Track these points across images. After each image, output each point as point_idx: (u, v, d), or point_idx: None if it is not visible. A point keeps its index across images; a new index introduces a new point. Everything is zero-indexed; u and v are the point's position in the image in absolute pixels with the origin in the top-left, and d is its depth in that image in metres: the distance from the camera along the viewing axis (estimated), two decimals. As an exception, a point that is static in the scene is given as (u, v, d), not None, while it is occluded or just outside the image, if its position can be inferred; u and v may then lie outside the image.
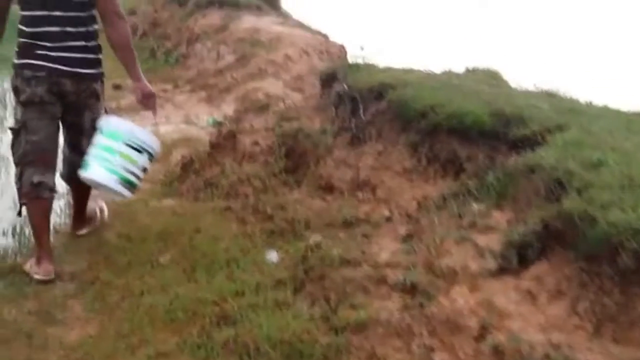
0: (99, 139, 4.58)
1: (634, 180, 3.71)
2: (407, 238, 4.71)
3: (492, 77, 6.66)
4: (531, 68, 7.66)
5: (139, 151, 4.54)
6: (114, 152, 4.48)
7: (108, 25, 4.68)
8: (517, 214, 4.23)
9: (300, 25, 11.45)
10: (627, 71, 10.06)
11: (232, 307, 4.28)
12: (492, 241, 4.21)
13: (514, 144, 5.02)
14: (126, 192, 4.65)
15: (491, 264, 3.96)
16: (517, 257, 3.79)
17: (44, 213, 4.79)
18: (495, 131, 5.10)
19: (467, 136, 5.10)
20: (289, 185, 5.94)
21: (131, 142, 4.52)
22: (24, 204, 4.78)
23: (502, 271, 3.86)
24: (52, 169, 4.78)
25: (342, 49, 11.03)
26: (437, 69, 6.93)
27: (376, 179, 5.47)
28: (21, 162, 4.70)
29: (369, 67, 6.54)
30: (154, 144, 4.68)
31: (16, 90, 4.66)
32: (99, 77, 4.83)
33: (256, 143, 6.47)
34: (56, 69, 4.59)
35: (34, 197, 4.70)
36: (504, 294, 3.66)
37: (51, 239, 5.02)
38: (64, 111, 4.72)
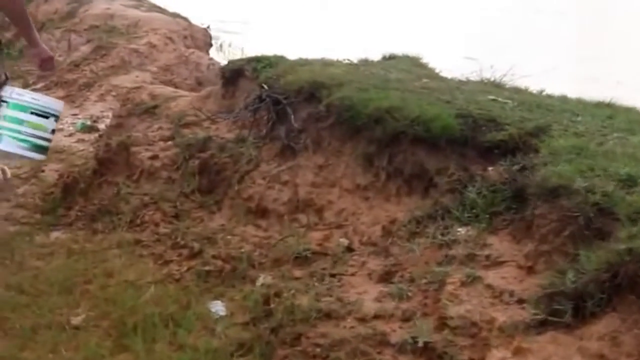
0: (5, 111, 4.68)
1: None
2: (387, 276, 3.88)
3: (417, 65, 5.90)
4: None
5: (46, 117, 4.73)
6: (22, 122, 4.65)
7: None
8: (538, 245, 3.48)
9: (157, 8, 10.33)
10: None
11: (193, 388, 3.34)
12: (510, 280, 3.47)
13: (487, 150, 4.29)
14: (39, 156, 4.89)
15: (524, 314, 3.21)
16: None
17: None
18: (464, 136, 4.35)
19: (435, 145, 4.32)
20: (208, 208, 4.98)
21: (37, 110, 4.70)
22: None
23: (544, 325, 3.10)
24: None
25: (206, 34, 10.07)
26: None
27: (321, 198, 4.60)
28: None
29: (281, 61, 5.62)
30: (58, 107, 4.91)
31: None
32: None
33: (155, 157, 5.45)
34: None
35: None
36: (568, 359, 2.90)
37: None
38: None
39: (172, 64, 8.63)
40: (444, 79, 5.33)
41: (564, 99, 5.02)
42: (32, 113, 4.67)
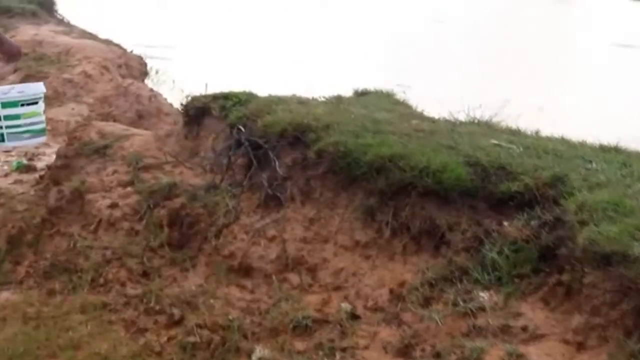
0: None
1: None
2: (406, 349, 3.45)
3: (394, 102, 5.51)
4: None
5: (35, 103, 5.04)
6: (18, 116, 4.96)
7: None
8: (589, 318, 3.09)
9: (88, 34, 9.73)
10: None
11: None
12: (558, 358, 3.08)
13: (499, 202, 3.91)
14: (43, 139, 5.38)
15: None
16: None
17: None
18: (475, 187, 3.95)
19: (445, 197, 3.91)
20: (180, 265, 4.46)
21: (27, 101, 4.99)
22: None
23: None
24: None
25: (142, 62, 9.51)
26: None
27: (314, 256, 4.14)
28: None
29: (251, 98, 5.14)
30: (41, 89, 5.23)
31: None
32: None
33: (114, 205, 4.90)
34: None
35: None
36: None
37: None
38: None
39: (110, 95, 8.06)
40: (432, 120, 4.94)
41: (564, 142, 4.68)
42: (22, 105, 4.99)
